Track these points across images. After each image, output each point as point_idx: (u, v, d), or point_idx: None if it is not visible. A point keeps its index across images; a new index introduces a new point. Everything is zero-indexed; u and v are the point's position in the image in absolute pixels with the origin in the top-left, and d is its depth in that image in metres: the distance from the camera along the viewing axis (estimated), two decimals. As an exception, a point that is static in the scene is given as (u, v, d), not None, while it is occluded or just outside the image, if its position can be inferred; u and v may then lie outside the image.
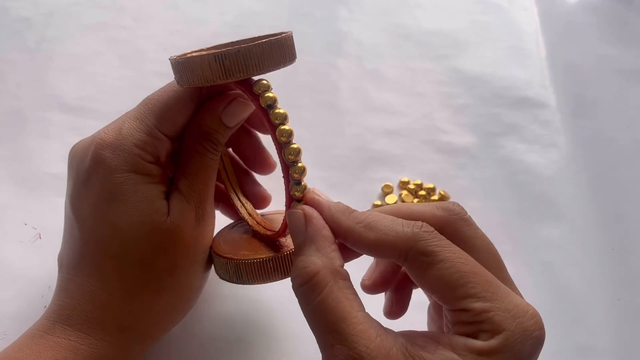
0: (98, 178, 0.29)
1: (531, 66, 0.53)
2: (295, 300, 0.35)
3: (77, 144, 0.31)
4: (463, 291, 0.24)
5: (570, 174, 0.46)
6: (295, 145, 0.27)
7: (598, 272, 0.41)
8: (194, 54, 0.27)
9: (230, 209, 0.36)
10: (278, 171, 0.30)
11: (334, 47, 0.53)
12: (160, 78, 0.51)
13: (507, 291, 0.24)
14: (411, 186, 0.44)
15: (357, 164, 0.46)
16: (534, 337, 0.24)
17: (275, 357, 0.36)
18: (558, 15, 0.57)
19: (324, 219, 0.27)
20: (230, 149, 0.36)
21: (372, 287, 0.31)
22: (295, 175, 0.27)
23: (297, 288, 0.25)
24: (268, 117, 0.27)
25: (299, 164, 0.27)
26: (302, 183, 0.27)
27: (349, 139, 0.47)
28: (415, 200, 0.43)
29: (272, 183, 0.36)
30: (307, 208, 0.27)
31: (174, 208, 0.29)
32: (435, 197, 0.44)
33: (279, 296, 0.38)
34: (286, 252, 0.30)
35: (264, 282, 0.30)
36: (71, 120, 0.46)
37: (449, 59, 0.53)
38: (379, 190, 0.44)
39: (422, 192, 0.44)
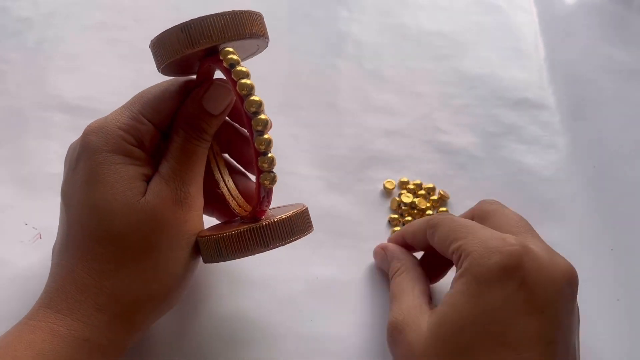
0: (83, 161, 0.30)
1: (530, 67, 0.53)
2: (295, 300, 0.35)
3: (73, 141, 0.33)
4: (450, 239, 0.31)
5: (570, 174, 0.46)
6: (256, 98, 0.28)
7: (597, 272, 0.41)
8: None
9: (222, 211, 0.36)
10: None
11: (334, 47, 0.53)
12: (160, 78, 0.51)
13: (485, 231, 0.31)
14: (411, 186, 0.44)
15: (357, 164, 0.46)
16: (501, 252, 0.28)
17: (275, 356, 0.36)
18: (557, 16, 0.57)
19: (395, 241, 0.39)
20: (226, 155, 0.37)
21: None
22: (258, 127, 0.28)
23: (390, 279, 0.36)
24: (230, 75, 0.28)
25: (262, 116, 0.28)
26: (266, 135, 0.28)
27: (349, 139, 0.47)
28: (416, 199, 0.43)
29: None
30: (381, 245, 0.39)
31: (151, 189, 0.30)
32: (435, 197, 0.44)
33: (278, 295, 0.38)
34: (265, 222, 0.29)
35: (245, 255, 0.30)
36: (71, 120, 0.46)
37: (448, 59, 0.53)
38: (379, 190, 0.44)
39: (422, 192, 0.44)
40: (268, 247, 0.30)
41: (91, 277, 0.29)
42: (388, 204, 0.44)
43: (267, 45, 0.32)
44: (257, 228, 0.29)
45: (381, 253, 0.38)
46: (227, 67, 0.28)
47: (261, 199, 0.30)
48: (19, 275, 0.38)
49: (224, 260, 0.30)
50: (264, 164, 0.28)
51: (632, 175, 0.46)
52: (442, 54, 0.53)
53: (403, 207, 0.43)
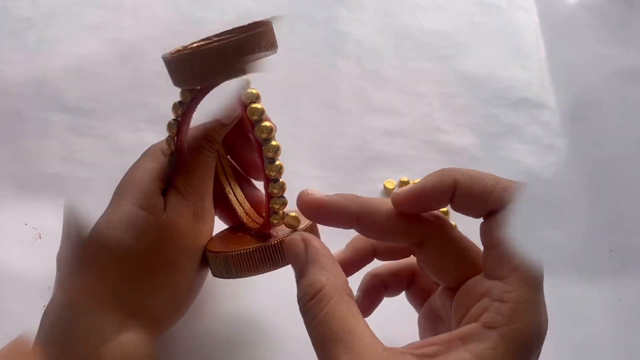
0: None
1: (531, 67, 0.53)
2: (294, 300, 0.35)
3: None
4: (498, 261, 0.25)
5: (570, 174, 0.46)
6: (267, 123, 0.27)
7: (597, 272, 0.41)
8: (193, 44, 0.28)
9: (226, 213, 0.36)
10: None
11: (334, 47, 0.53)
12: (160, 78, 0.50)
13: (530, 296, 0.23)
14: (411, 186, 0.44)
15: (357, 164, 0.46)
16: (540, 339, 0.23)
17: (275, 356, 0.36)
18: (557, 16, 0.57)
19: (332, 209, 0.26)
20: (228, 156, 0.36)
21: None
22: (269, 154, 0.27)
23: (303, 305, 0.24)
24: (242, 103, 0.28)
25: (273, 142, 0.27)
26: (277, 162, 0.28)
27: (349, 139, 0.47)
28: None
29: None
30: (304, 233, 0.27)
31: (170, 204, 0.30)
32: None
33: (279, 296, 0.38)
34: (274, 242, 0.29)
35: (253, 274, 0.30)
36: (71, 120, 0.46)
37: (448, 59, 0.53)
38: (379, 190, 0.44)
39: (422, 192, 0.44)
40: (277, 265, 0.29)
41: (110, 293, 0.29)
42: (388, 204, 0.44)
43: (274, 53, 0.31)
44: (267, 247, 0.29)
45: (300, 246, 0.26)
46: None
47: (270, 219, 0.30)
48: (18, 276, 0.38)
49: (232, 277, 0.30)
50: (274, 190, 0.28)
51: (632, 176, 0.46)
52: (442, 54, 0.53)
53: (403, 207, 0.43)
